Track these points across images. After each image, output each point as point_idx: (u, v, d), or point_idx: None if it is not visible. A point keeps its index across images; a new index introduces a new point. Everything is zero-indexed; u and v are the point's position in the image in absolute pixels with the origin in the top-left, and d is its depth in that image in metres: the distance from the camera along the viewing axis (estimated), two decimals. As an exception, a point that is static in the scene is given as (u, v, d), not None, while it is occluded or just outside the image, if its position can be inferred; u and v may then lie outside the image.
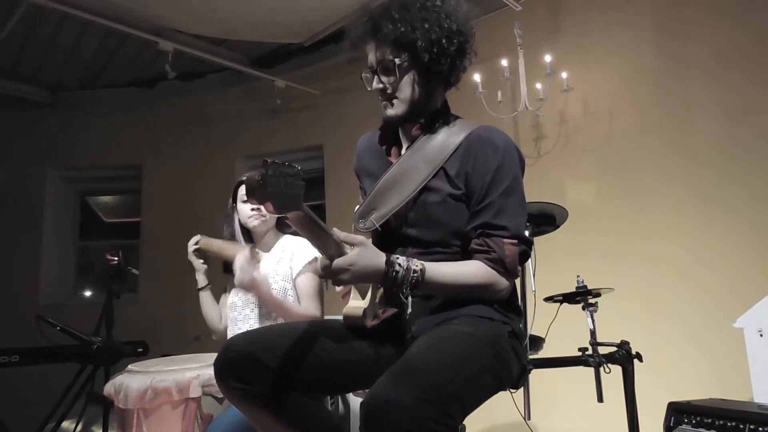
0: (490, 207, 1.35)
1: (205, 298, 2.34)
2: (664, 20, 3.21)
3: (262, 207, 2.15)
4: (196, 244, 2.24)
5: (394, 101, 1.42)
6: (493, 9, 3.66)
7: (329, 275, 1.21)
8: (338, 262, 1.19)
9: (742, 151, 2.87)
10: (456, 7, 1.41)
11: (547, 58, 3.30)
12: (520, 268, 1.41)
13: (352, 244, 1.22)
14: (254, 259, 2.08)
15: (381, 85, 1.41)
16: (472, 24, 1.44)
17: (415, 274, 1.26)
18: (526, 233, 1.41)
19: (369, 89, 1.45)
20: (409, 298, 1.29)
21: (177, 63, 3.91)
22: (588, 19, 3.46)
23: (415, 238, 1.42)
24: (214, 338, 2.38)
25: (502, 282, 1.35)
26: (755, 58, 2.88)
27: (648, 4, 3.28)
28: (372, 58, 1.43)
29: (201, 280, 2.31)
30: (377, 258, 1.24)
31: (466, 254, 1.38)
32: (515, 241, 1.35)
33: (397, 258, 1.26)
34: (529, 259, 2.24)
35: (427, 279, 1.28)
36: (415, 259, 1.28)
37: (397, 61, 1.38)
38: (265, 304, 2.12)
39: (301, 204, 1.06)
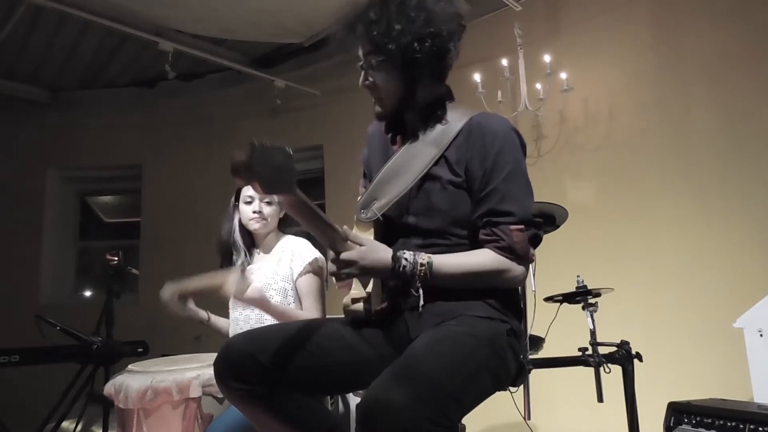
0: (493, 193, 1.34)
1: (216, 324, 2.30)
2: (664, 20, 3.21)
3: (263, 211, 2.17)
4: (173, 295, 2.05)
5: (378, 99, 1.44)
6: (493, 9, 3.66)
7: (337, 267, 1.23)
8: (346, 254, 1.20)
9: (742, 151, 2.87)
10: (436, 5, 1.38)
11: (547, 58, 3.30)
12: (533, 251, 1.37)
13: (360, 245, 1.25)
14: (245, 279, 2.01)
15: (367, 82, 1.44)
16: (458, 21, 1.42)
17: (423, 267, 1.27)
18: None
19: (360, 85, 1.46)
20: (420, 291, 1.29)
21: (177, 63, 3.91)
22: (588, 19, 3.45)
23: (414, 226, 1.41)
24: None
25: (516, 268, 1.34)
26: (755, 58, 2.87)
27: (648, 4, 3.28)
28: (360, 55, 1.45)
29: (201, 316, 2.24)
30: (384, 253, 1.27)
31: (469, 244, 1.37)
32: (522, 226, 1.33)
33: (404, 253, 1.28)
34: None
35: (435, 271, 1.28)
36: (421, 253, 1.29)
37: (373, 61, 1.40)
38: (270, 315, 2.08)
39: (293, 187, 1.04)
